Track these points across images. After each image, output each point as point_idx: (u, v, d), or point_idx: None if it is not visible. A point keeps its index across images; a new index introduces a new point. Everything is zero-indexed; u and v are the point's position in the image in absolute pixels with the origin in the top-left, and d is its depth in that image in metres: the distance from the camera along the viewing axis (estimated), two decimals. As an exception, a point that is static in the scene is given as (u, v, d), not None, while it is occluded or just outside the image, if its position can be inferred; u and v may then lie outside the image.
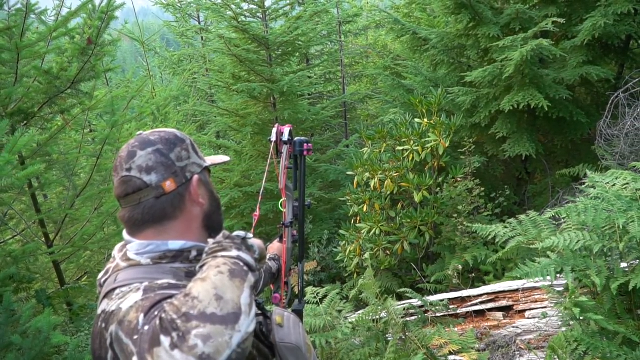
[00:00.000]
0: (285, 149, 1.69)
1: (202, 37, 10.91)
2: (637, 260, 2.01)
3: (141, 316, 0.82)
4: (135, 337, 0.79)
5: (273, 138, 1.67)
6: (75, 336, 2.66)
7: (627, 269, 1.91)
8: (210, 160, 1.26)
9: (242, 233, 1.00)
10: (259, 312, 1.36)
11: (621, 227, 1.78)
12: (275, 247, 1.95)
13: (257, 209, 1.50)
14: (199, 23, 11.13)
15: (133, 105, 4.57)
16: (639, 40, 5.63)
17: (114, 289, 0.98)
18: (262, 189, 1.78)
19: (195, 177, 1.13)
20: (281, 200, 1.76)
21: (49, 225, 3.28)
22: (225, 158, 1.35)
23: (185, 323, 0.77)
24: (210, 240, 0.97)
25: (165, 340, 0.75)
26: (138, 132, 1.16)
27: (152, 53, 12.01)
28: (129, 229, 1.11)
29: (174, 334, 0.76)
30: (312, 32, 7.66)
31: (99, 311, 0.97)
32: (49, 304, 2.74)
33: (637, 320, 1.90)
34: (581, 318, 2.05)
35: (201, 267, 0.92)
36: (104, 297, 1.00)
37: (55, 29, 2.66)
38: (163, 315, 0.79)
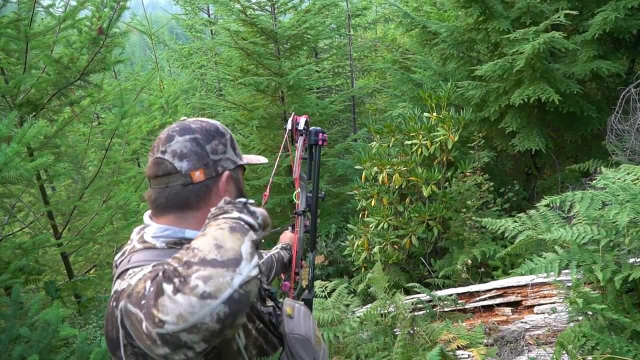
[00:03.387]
0: (300, 140, 1.68)
1: (211, 31, 10.91)
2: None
3: (148, 283, 0.81)
4: (143, 302, 0.79)
5: (289, 127, 1.67)
6: (84, 328, 2.68)
7: (636, 264, 1.89)
8: (247, 159, 1.27)
9: (243, 199, 0.99)
10: (270, 302, 1.36)
11: (612, 217, 1.76)
12: (287, 237, 1.96)
13: (267, 190, 1.50)
14: (208, 16, 11.12)
15: (142, 99, 4.58)
16: (651, 35, 5.54)
17: (127, 270, 0.98)
18: (274, 168, 1.77)
19: (227, 172, 1.14)
20: (295, 192, 1.76)
21: (57, 217, 3.29)
22: (263, 160, 1.35)
23: (186, 269, 0.76)
24: (213, 209, 0.97)
25: (168, 288, 0.75)
26: (182, 118, 1.17)
27: (162, 46, 12.03)
28: (152, 210, 1.12)
29: (176, 280, 0.75)
30: (321, 26, 7.63)
31: (112, 292, 0.97)
32: (57, 297, 2.76)
33: (647, 315, 1.88)
34: (589, 313, 2.03)
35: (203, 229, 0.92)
36: (117, 277, 1.01)
37: (64, 19, 2.66)
38: (166, 267, 0.79)
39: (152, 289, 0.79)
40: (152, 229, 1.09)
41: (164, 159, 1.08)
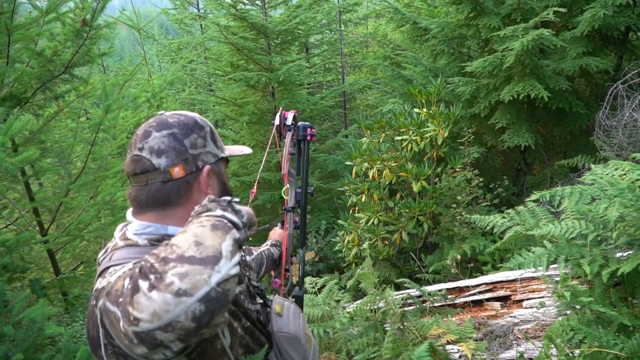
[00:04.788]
0: (288, 136, 1.66)
1: (200, 25, 10.83)
2: (632, 249, 2.00)
3: (127, 280, 0.79)
4: (120, 299, 0.77)
5: (276, 122, 1.65)
6: (70, 326, 2.64)
7: (623, 258, 1.90)
8: (229, 150, 1.24)
9: (228, 198, 0.98)
10: (259, 300, 1.34)
11: (601, 212, 1.77)
12: (277, 233, 1.94)
13: (255, 187, 1.48)
14: (198, 10, 11.03)
15: (129, 93, 4.52)
16: (638, 32, 5.58)
17: (108, 267, 0.97)
18: (262, 164, 1.75)
19: (207, 167, 1.11)
20: (284, 188, 1.74)
21: (43, 214, 3.25)
22: (247, 150, 1.32)
23: (163, 266, 0.75)
24: (197, 207, 0.95)
25: (143, 284, 0.73)
26: (159, 112, 1.14)
27: (151, 40, 11.92)
28: (133, 208, 1.11)
29: (152, 276, 0.74)
30: (312, 21, 7.60)
31: (93, 290, 0.95)
32: (43, 294, 2.72)
33: (631, 307, 1.89)
34: (577, 306, 2.04)
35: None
36: (99, 275, 0.99)
37: (48, 11, 2.61)
38: (142, 264, 0.78)
39: (129, 286, 0.77)
40: (134, 226, 1.07)
41: (142, 156, 1.05)
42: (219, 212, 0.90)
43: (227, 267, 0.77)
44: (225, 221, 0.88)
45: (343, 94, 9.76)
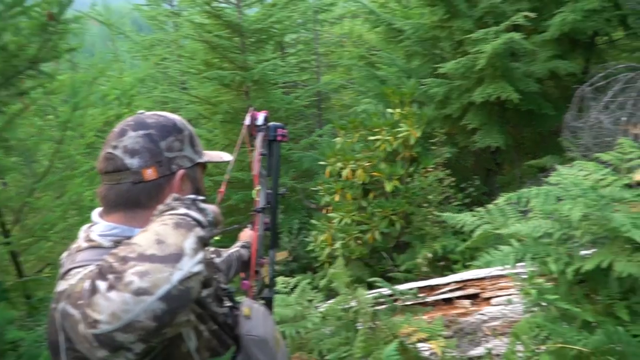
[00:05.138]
0: (259, 136, 1.65)
1: (174, 22, 10.67)
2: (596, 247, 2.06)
3: (87, 282, 0.76)
4: (80, 302, 0.75)
5: (247, 122, 1.63)
6: (33, 330, 2.56)
7: (587, 256, 1.95)
8: (208, 156, 1.22)
9: (192, 196, 0.96)
10: (228, 303, 1.33)
11: (566, 211, 1.82)
12: (246, 235, 1.91)
13: (223, 186, 1.46)
14: (171, 7, 10.87)
15: (99, 90, 4.43)
16: (604, 37, 5.76)
17: (70, 270, 0.93)
18: (230, 165, 1.72)
19: (182, 171, 1.09)
20: (255, 189, 1.72)
21: (6, 214, 3.15)
22: (227, 157, 1.31)
23: (122, 265, 0.73)
24: (160, 206, 0.93)
25: (102, 285, 0.71)
26: (140, 111, 1.13)
27: (122, 37, 11.70)
28: (102, 207, 1.08)
29: (110, 276, 0.72)
30: (288, 20, 7.58)
31: (54, 293, 0.92)
32: (4, 298, 2.63)
33: (594, 304, 1.95)
34: (543, 303, 2.08)
35: None
36: (60, 278, 0.95)
37: (13, 5, 2.52)
38: (101, 263, 0.76)
39: (88, 287, 0.74)
40: (100, 227, 1.05)
41: (115, 154, 1.04)
42: (182, 210, 0.88)
43: (190, 264, 0.76)
44: (189, 219, 0.86)
45: (318, 94, 9.76)
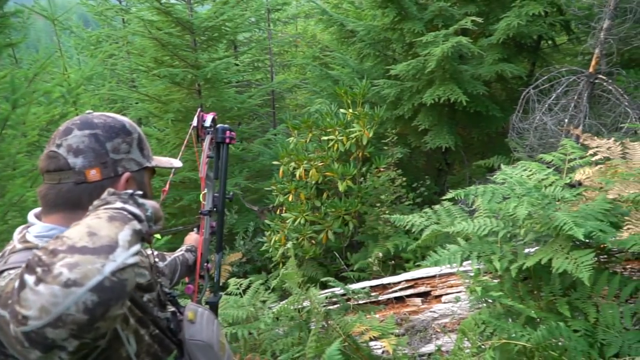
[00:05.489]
0: (207, 138, 1.62)
1: (122, 19, 10.31)
2: (539, 245, 2.13)
3: (17, 282, 0.72)
4: (9, 301, 0.71)
5: (194, 123, 1.60)
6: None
7: (530, 254, 2.02)
8: (157, 161, 1.20)
9: (130, 191, 0.92)
10: (171, 307, 1.29)
11: (511, 210, 1.88)
12: (192, 238, 1.87)
13: (167, 185, 1.41)
14: (120, 2, 10.50)
15: (42, 87, 4.20)
16: (549, 41, 6.02)
17: (2, 272, 0.88)
18: (174, 171, 1.68)
19: (127, 174, 1.07)
20: (203, 192, 1.69)
21: (-64, 216, 2.94)
22: (177, 163, 1.29)
23: (51, 258, 0.69)
24: (96, 201, 0.89)
25: (29, 279, 0.68)
26: (88, 111, 1.09)
27: (68, 32, 11.21)
28: (42, 207, 1.04)
29: (39, 269, 0.68)
30: (240, 18, 7.48)
31: None
32: None
33: (538, 300, 2.02)
34: (489, 300, 2.14)
35: None
36: None
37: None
38: (30, 257, 0.72)
39: (16, 284, 0.71)
40: (37, 228, 1.01)
41: (58, 153, 1.00)
42: (118, 204, 0.85)
43: (124, 256, 0.73)
44: (125, 213, 0.83)
45: (272, 93, 9.71)
